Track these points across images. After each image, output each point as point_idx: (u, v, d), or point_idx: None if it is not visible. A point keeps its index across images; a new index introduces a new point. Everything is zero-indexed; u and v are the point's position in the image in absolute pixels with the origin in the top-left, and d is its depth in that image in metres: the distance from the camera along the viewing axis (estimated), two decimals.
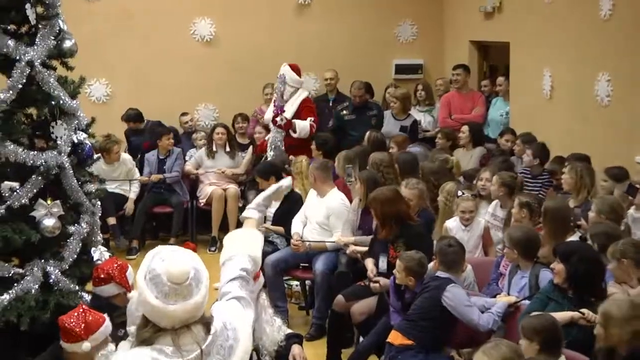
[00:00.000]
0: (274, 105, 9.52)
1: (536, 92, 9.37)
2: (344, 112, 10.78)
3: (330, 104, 11.42)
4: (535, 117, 9.39)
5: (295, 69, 9.84)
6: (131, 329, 4.11)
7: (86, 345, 4.57)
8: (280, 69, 9.87)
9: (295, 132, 9.58)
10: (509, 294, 5.83)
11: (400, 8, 12.30)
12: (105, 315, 4.79)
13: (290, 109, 9.84)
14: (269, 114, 10.05)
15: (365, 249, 7.00)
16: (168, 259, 2.92)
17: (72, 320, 4.59)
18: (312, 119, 9.89)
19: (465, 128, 9.46)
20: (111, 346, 4.75)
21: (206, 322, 2.98)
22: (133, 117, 10.91)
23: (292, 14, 12.17)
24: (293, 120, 9.60)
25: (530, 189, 7.67)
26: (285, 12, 12.11)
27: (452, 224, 6.76)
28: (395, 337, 5.59)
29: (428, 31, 12.45)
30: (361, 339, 6.72)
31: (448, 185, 7.26)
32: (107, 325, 4.73)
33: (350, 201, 7.87)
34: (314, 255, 7.66)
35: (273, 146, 9.39)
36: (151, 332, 2.91)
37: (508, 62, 10.41)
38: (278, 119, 9.36)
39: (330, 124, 10.86)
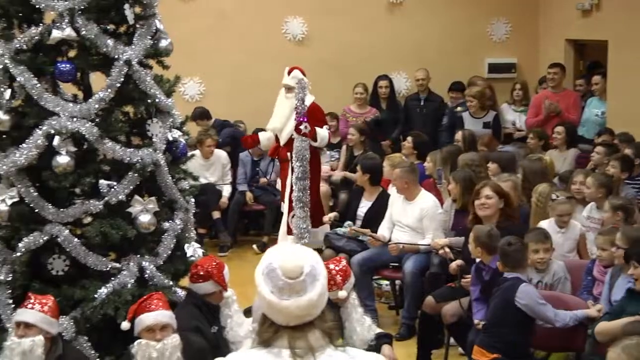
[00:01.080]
0: (296, 113, 8.77)
1: (636, 91, 9.13)
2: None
3: (422, 104, 11.36)
4: (634, 116, 9.14)
5: (304, 73, 9.29)
6: (254, 325, 4.11)
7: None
8: (291, 73, 9.21)
9: (316, 140, 9.10)
10: (610, 299, 5.66)
11: (493, 6, 12.15)
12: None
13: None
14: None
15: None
16: (284, 254, 2.91)
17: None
18: (328, 126, 9.50)
19: (561, 129, 9.28)
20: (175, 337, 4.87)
21: (328, 332, 2.90)
22: (199, 115, 10.97)
23: (383, 12, 12.13)
24: (316, 128, 8.99)
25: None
26: (376, 11, 12.08)
27: (546, 226, 6.62)
28: (479, 354, 5.52)
29: (522, 29, 12.26)
30: (452, 340, 6.67)
31: (541, 186, 7.14)
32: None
33: (440, 202, 7.83)
34: (404, 254, 7.62)
35: (300, 156, 8.62)
36: (270, 332, 2.87)
37: (603, 60, 10.18)
38: (302, 127, 8.67)
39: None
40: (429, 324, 6.64)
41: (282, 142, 9.03)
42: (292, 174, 8.54)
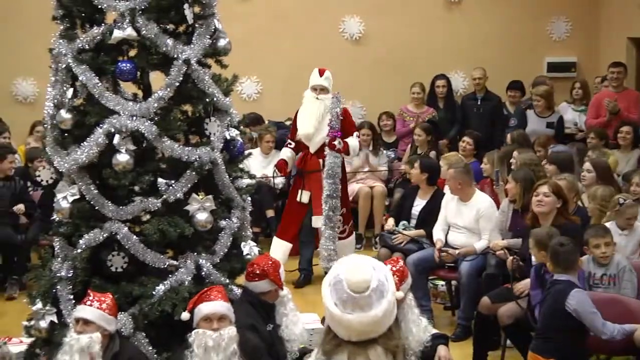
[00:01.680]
0: (330, 128, 8.58)
1: None
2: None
3: (479, 103, 11.28)
4: None
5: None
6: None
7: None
8: (323, 74, 9.05)
9: (349, 154, 9.04)
10: None
11: (553, 4, 12.06)
12: None
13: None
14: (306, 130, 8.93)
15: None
16: (353, 266, 2.83)
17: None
18: (357, 133, 9.32)
19: (628, 128, 9.13)
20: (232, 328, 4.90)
21: (393, 350, 2.81)
22: (252, 120, 11.00)
23: (441, 10, 12.09)
24: (348, 142, 8.80)
25: None
26: (434, 9, 12.05)
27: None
28: None
29: (582, 28, 12.13)
30: (508, 342, 6.61)
31: (599, 190, 7.02)
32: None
33: (496, 202, 7.81)
34: (462, 257, 7.57)
35: (332, 173, 8.49)
36: (333, 344, 2.82)
37: None
38: (336, 142, 8.51)
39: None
40: (485, 325, 6.58)
41: (312, 150, 8.94)
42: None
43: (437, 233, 7.87)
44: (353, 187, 10.61)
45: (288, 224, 9.01)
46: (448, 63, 11.91)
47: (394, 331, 2.85)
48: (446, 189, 8.08)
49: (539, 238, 5.96)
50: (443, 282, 8.31)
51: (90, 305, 4.87)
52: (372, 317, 2.77)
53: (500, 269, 7.09)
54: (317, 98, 8.85)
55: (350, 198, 10.57)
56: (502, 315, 6.35)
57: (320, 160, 8.75)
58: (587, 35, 12.17)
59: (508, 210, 7.49)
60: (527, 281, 6.30)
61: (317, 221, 8.79)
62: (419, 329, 5.06)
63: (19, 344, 5.91)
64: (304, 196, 8.86)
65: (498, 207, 7.73)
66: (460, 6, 12.07)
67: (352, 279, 2.78)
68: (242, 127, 5.98)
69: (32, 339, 5.57)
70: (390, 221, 8.58)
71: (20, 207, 9.12)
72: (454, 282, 8.02)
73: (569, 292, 5.33)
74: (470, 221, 7.67)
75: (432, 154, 9.81)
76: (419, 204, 8.40)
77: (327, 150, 8.58)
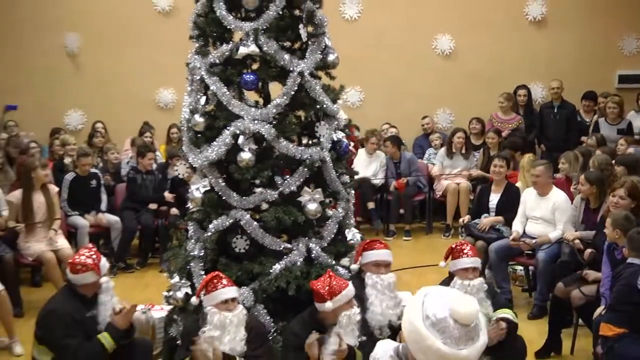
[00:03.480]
0: None
1: None
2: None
3: (555, 110, 11.02)
4: None
5: None
6: None
7: (328, 305, 4.65)
8: None
9: None
10: None
11: (624, 23, 11.66)
12: (350, 283, 4.88)
13: None
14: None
15: None
16: (455, 299, 2.38)
17: (319, 284, 4.78)
18: None
19: None
20: (355, 309, 4.79)
21: None
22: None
23: (523, 28, 11.86)
24: None
25: None
26: (517, 28, 11.82)
27: None
28: (607, 330, 5.23)
29: None
30: (580, 321, 6.44)
31: None
32: (350, 289, 4.77)
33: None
34: (538, 246, 7.41)
35: None
36: None
37: None
38: None
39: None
40: (559, 306, 6.40)
41: None
42: None
43: (516, 225, 7.72)
44: (442, 184, 10.55)
45: None
46: (528, 75, 11.67)
47: None
48: (527, 190, 7.92)
49: (616, 218, 5.88)
50: (521, 267, 8.12)
51: (231, 285, 4.87)
52: (482, 344, 2.39)
53: (573, 257, 6.94)
54: None
55: (440, 193, 10.53)
56: (574, 298, 6.20)
57: None
58: None
59: (580, 205, 7.31)
60: (597, 274, 6.12)
61: None
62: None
63: (160, 311, 6.03)
64: None
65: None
66: (540, 24, 11.81)
67: (462, 311, 2.34)
68: (346, 130, 5.96)
69: (171, 306, 5.68)
70: (467, 217, 8.57)
71: (168, 195, 9.39)
72: (531, 268, 7.83)
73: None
74: (546, 213, 7.51)
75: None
76: (494, 198, 8.34)
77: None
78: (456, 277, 5.21)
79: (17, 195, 8.02)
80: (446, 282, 5.32)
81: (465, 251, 5.27)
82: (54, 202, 8.13)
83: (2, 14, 11.69)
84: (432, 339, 2.34)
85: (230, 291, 4.84)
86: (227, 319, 4.74)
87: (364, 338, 4.79)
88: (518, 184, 8.48)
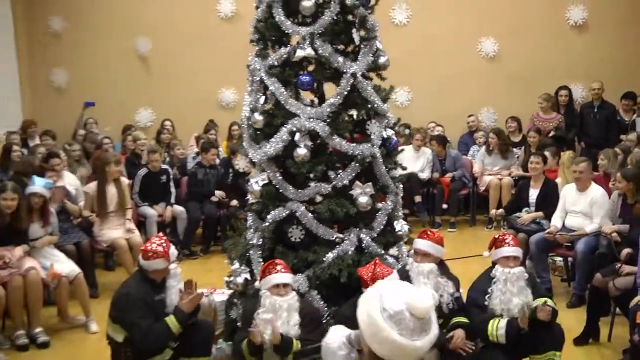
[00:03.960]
0: None
1: None
2: None
3: (595, 110, 10.82)
4: None
5: None
6: None
7: None
8: None
9: None
10: None
11: None
12: (395, 271, 4.92)
13: None
14: None
15: None
16: (411, 294, 2.38)
17: (364, 270, 4.84)
18: None
19: None
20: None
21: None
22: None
23: (564, 32, 11.66)
24: None
25: None
26: (558, 31, 11.63)
27: None
28: None
29: None
30: (617, 309, 6.31)
31: None
32: (393, 276, 4.79)
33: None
34: (577, 238, 7.30)
35: None
36: None
37: None
38: None
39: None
40: (597, 295, 6.29)
41: None
42: None
43: (555, 219, 7.65)
44: (485, 179, 10.47)
45: None
46: (568, 76, 11.45)
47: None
48: (567, 186, 7.84)
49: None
50: (561, 259, 8.01)
51: (285, 272, 4.90)
52: (434, 336, 2.39)
53: (610, 249, 6.87)
54: None
55: (483, 188, 10.44)
56: (612, 288, 6.08)
57: None
58: None
59: (618, 200, 7.22)
60: (633, 268, 5.99)
61: None
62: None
63: (222, 295, 6.09)
64: None
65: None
66: (580, 29, 11.59)
67: (418, 305, 2.34)
68: (396, 128, 5.92)
69: (231, 291, 5.73)
70: (499, 210, 8.76)
71: (221, 194, 9.47)
72: (570, 259, 7.74)
73: None
74: (585, 207, 7.44)
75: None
76: (533, 193, 8.30)
77: None
78: (498, 265, 5.14)
79: (92, 187, 8.22)
80: (489, 271, 5.25)
81: (507, 241, 5.25)
82: (125, 194, 8.31)
83: (81, 21, 11.96)
84: (388, 330, 2.34)
85: (282, 277, 4.88)
86: (277, 303, 4.79)
87: None
88: (558, 180, 8.33)
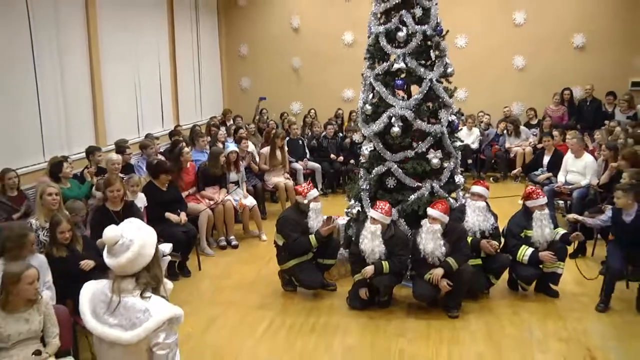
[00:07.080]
0: None
1: None
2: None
3: (588, 104, 10.36)
4: None
5: None
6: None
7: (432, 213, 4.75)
8: None
9: None
10: None
11: (634, 47, 10.41)
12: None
13: None
14: None
15: None
16: (112, 228, 2.26)
17: (435, 206, 4.87)
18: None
19: None
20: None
21: (143, 285, 2.21)
22: None
23: (571, 51, 10.99)
24: None
25: None
26: (566, 51, 11.00)
27: None
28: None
29: None
30: (598, 235, 6.17)
31: None
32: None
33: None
34: (574, 189, 6.96)
35: None
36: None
37: None
38: None
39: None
40: (584, 226, 5.73)
41: None
42: None
43: (560, 177, 7.51)
44: (513, 149, 9.85)
45: None
46: (571, 81, 10.67)
47: (151, 270, 2.21)
48: (569, 153, 7.48)
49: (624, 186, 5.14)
50: (562, 202, 7.73)
51: (376, 209, 4.91)
52: (125, 261, 2.19)
53: (596, 196, 6.73)
54: None
55: (512, 155, 9.85)
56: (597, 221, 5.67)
57: None
58: None
59: (601, 165, 6.88)
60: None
61: None
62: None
63: (343, 219, 6.11)
64: None
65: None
66: (581, 49, 10.75)
67: (106, 235, 2.23)
68: (457, 114, 5.70)
69: (348, 217, 5.81)
70: (518, 170, 8.60)
71: (340, 158, 9.43)
72: (569, 202, 7.45)
73: None
74: (580, 168, 7.33)
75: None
76: (546, 159, 8.19)
77: None
78: (536, 210, 5.16)
79: (265, 150, 8.41)
80: (522, 211, 5.29)
81: (540, 193, 5.06)
82: (285, 155, 8.43)
83: (259, 48, 12.26)
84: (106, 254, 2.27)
85: (373, 213, 4.89)
86: (370, 227, 4.83)
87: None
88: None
